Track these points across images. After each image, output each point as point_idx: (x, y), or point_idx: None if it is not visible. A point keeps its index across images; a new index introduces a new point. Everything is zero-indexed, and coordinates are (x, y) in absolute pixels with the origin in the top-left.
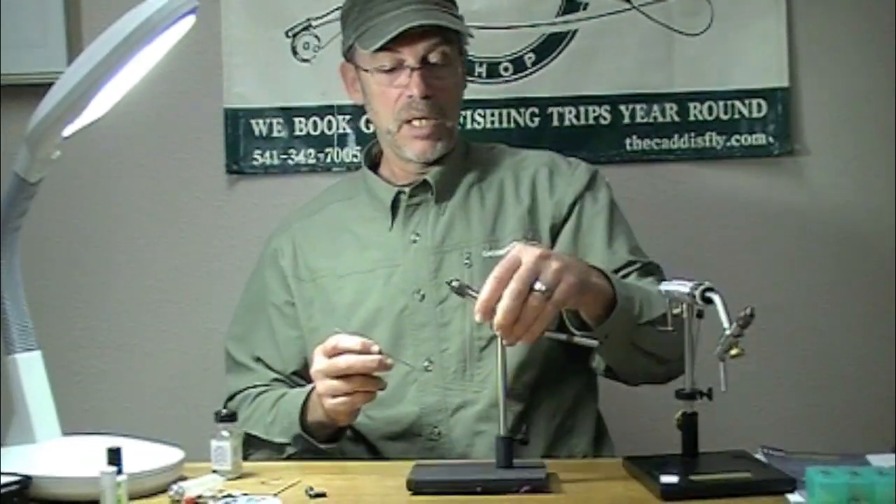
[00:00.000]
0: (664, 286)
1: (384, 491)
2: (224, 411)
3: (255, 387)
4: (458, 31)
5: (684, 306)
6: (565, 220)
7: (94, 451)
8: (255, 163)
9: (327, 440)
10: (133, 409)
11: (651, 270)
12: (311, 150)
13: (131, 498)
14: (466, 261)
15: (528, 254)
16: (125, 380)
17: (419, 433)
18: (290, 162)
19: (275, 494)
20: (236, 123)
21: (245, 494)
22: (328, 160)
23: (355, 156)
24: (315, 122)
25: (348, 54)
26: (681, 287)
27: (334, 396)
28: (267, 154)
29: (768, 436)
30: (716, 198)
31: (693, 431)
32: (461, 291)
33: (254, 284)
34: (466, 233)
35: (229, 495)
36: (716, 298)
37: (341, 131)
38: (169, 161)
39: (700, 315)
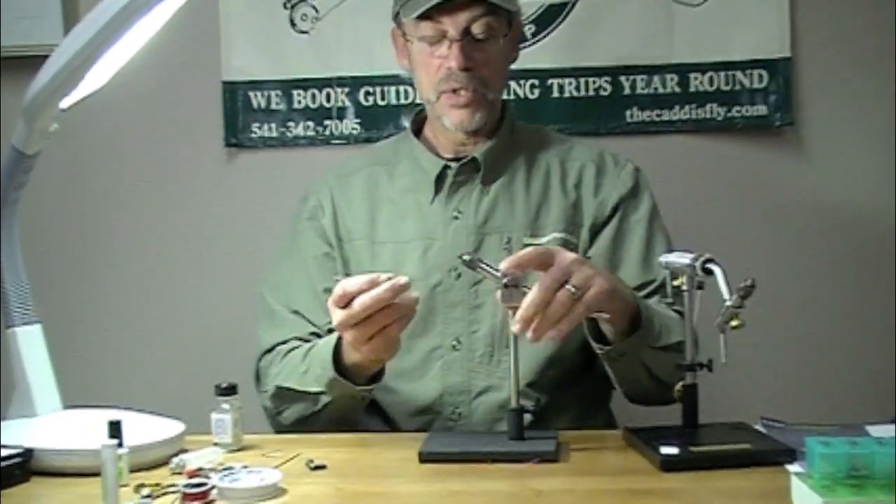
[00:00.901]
0: (664, 258)
1: (385, 463)
2: (224, 384)
3: (287, 342)
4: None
5: (685, 278)
6: (606, 222)
7: (95, 424)
8: (253, 136)
9: (365, 383)
10: (133, 383)
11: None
12: (310, 123)
13: (132, 470)
14: (506, 245)
15: (563, 254)
16: (125, 353)
17: (439, 411)
18: (288, 135)
19: (275, 467)
20: (234, 96)
21: (245, 467)
22: (327, 133)
23: (354, 128)
24: (314, 95)
25: (396, 20)
26: (681, 259)
27: (368, 341)
28: (265, 127)
29: (768, 407)
30: (717, 169)
31: (693, 403)
32: (472, 265)
33: (292, 239)
34: (509, 217)
35: (230, 468)
36: (716, 270)
37: (340, 104)
38: (168, 134)
39: (700, 286)
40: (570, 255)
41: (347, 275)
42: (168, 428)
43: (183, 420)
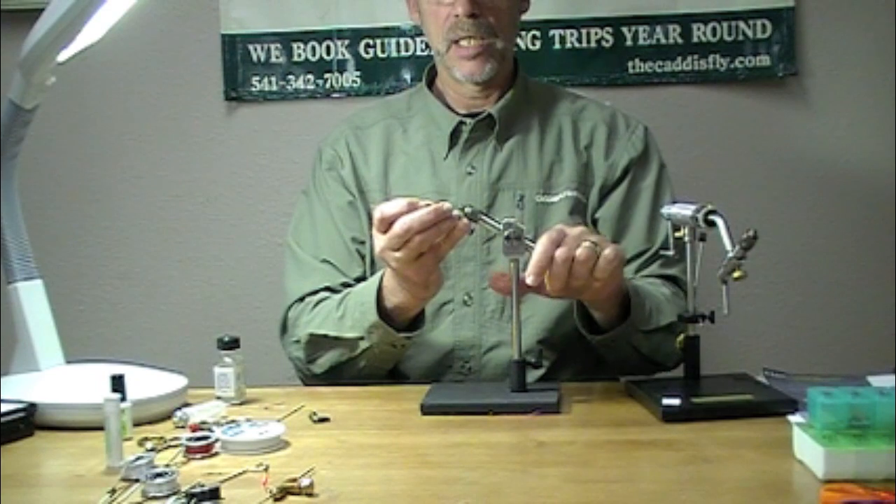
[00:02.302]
0: (666, 209)
1: (388, 416)
2: (226, 338)
3: (317, 292)
4: None
5: (687, 229)
6: (615, 185)
7: (98, 379)
8: (253, 89)
9: (405, 329)
10: (136, 338)
11: (671, 262)
12: (310, 76)
13: (135, 424)
14: (519, 202)
15: (574, 228)
16: (127, 308)
17: (450, 365)
18: (288, 88)
19: (279, 420)
20: (234, 49)
21: (248, 420)
22: (327, 86)
23: (355, 81)
24: (314, 48)
25: None
26: (684, 210)
27: (415, 261)
28: (265, 80)
29: (770, 359)
30: (719, 120)
31: (695, 354)
32: (474, 217)
33: (314, 191)
34: (522, 174)
35: (233, 421)
36: (719, 221)
37: (340, 56)
38: (167, 88)
39: (703, 238)
40: (580, 228)
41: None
42: (171, 382)
43: (186, 374)
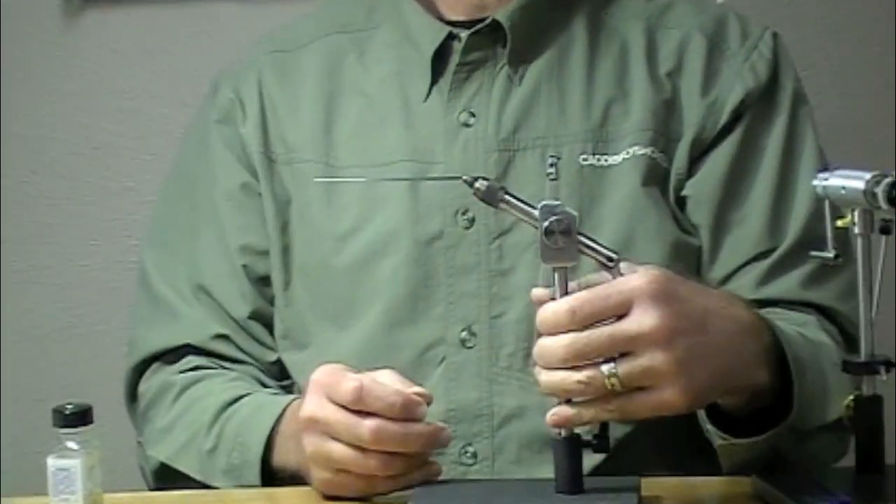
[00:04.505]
0: (819, 180)
1: None
2: (69, 407)
3: (181, 349)
4: None
5: (857, 213)
6: (718, 139)
7: None
8: None
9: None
10: None
11: (826, 272)
12: None
13: None
14: (551, 169)
15: (645, 311)
16: None
17: (440, 451)
18: None
19: None
20: None
21: None
22: None
23: None
24: None
25: None
26: (850, 180)
27: (336, 473)
28: None
29: None
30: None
31: (874, 430)
32: (491, 196)
33: (191, 161)
34: (556, 120)
35: None
36: None
37: None
38: None
39: (887, 230)
40: (656, 311)
41: (285, 245)
42: None
43: None
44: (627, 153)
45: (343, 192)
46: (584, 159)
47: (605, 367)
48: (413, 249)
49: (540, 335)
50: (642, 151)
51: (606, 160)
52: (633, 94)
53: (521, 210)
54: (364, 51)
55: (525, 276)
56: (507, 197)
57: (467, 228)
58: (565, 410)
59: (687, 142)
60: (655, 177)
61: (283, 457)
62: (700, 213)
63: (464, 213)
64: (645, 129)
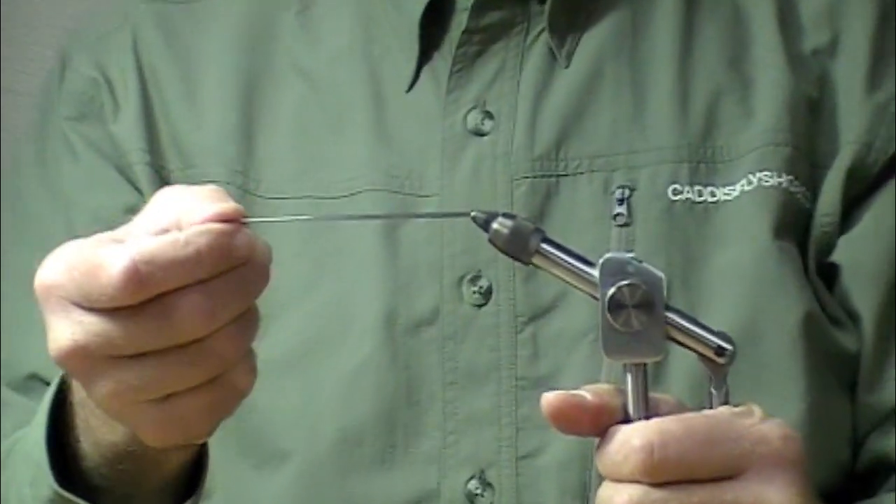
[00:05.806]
0: None
1: None
2: None
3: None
4: None
5: None
6: (886, 174)
7: None
8: None
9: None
10: None
11: None
12: None
13: None
14: (620, 207)
15: (770, 483)
16: None
17: None
18: None
19: None
20: None
21: None
22: None
23: None
24: None
25: None
26: None
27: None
28: None
29: None
30: None
31: None
32: (519, 246)
33: (24, 178)
34: (629, 126)
35: None
36: None
37: None
38: None
39: None
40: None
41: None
42: None
43: None
44: (749, 182)
45: (272, 238)
46: (677, 191)
47: None
48: (385, 340)
49: (602, 480)
50: (774, 181)
51: (714, 194)
52: (758, 84)
53: (570, 269)
54: (309, 4)
55: (575, 383)
56: (546, 247)
57: (480, 306)
58: None
59: (842, 168)
60: (794, 224)
61: (90, 432)
62: (865, 296)
63: (474, 280)
64: (778, 144)
